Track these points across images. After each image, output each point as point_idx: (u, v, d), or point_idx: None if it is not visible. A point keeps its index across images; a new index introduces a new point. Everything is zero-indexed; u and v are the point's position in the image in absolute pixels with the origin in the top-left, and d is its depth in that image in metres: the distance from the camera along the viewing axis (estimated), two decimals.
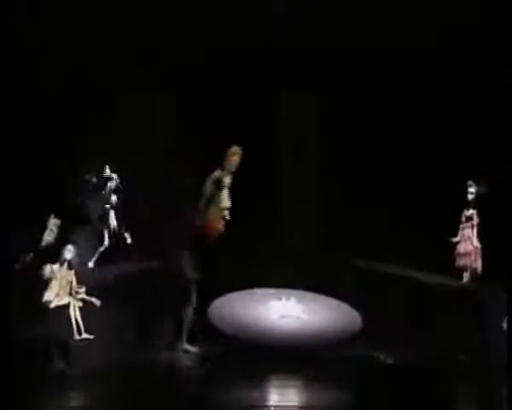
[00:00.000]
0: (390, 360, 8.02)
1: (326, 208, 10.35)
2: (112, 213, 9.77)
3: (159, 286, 9.10)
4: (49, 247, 8.66)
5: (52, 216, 8.77)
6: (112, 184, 9.81)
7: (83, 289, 8.12)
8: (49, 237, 8.74)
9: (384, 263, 9.96)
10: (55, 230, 8.75)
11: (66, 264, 8.06)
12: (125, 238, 9.72)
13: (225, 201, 8.09)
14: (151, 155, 10.21)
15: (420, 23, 9.68)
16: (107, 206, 9.77)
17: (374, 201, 10.01)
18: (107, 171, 9.74)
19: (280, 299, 9.12)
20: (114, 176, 9.79)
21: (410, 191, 9.76)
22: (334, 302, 9.33)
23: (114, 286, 8.99)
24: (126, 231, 9.73)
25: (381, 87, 10.03)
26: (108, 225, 9.70)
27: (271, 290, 9.41)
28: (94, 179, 9.68)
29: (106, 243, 9.62)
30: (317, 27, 9.79)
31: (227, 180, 8.12)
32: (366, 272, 9.90)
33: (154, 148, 10.25)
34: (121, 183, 9.73)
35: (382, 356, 8.05)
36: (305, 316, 8.83)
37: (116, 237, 9.72)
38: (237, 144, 8.14)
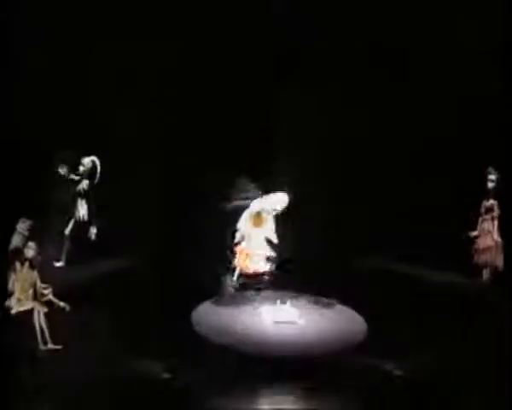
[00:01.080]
0: (399, 372, 7.03)
1: (330, 203, 9.91)
2: (81, 202, 8.83)
3: (137, 286, 8.40)
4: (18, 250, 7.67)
5: (22, 220, 7.76)
6: (84, 168, 8.87)
7: (49, 290, 7.24)
8: (17, 239, 7.75)
9: (392, 262, 9.21)
10: (26, 233, 7.72)
11: (27, 263, 7.17)
12: (92, 232, 8.81)
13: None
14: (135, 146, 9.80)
15: (429, 18, 9.48)
16: (78, 190, 8.84)
17: (379, 192, 9.52)
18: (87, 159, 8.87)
19: (274, 303, 8.13)
20: (87, 160, 8.87)
21: (419, 178, 9.25)
22: (335, 306, 8.35)
23: (86, 287, 8.18)
24: (96, 222, 8.84)
25: (391, 79, 9.79)
26: (74, 214, 8.77)
27: (264, 293, 8.50)
28: (65, 169, 8.73)
29: (67, 232, 8.67)
30: (317, 27, 9.74)
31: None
32: (372, 272, 9.14)
33: (135, 137, 9.78)
34: (95, 168, 8.88)
35: (390, 367, 7.08)
36: (302, 322, 7.77)
37: (85, 228, 8.82)
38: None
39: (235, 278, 8.57)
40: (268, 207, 8.59)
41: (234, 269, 8.59)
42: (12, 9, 8.97)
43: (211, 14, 9.84)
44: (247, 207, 8.69)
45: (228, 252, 8.71)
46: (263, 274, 8.62)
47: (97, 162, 8.94)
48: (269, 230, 8.63)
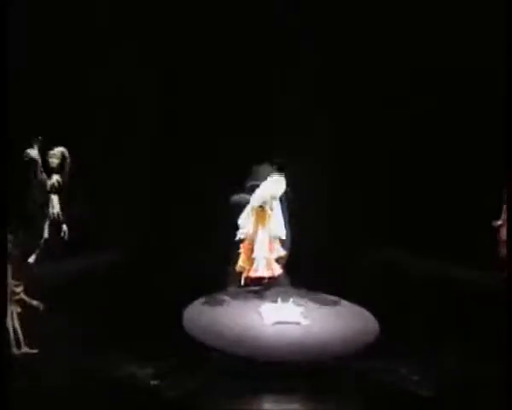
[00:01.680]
0: (415, 377, 6.22)
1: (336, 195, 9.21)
2: (54, 199, 8.08)
3: (121, 283, 7.71)
4: None
5: None
6: (53, 161, 8.09)
7: (21, 288, 6.45)
8: None
9: (405, 255, 8.52)
10: None
11: None
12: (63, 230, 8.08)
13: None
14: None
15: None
16: (49, 185, 8.08)
17: (390, 180, 8.92)
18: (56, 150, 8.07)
19: (274, 300, 7.30)
20: (56, 151, 8.08)
21: (438, 165, 8.57)
22: (344, 304, 7.54)
23: (61, 286, 7.44)
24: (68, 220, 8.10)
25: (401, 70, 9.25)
26: (48, 213, 8.02)
27: (264, 289, 7.66)
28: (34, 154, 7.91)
29: (45, 235, 7.95)
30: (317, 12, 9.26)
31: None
32: (385, 266, 8.45)
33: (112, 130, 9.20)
34: (64, 160, 8.10)
35: (405, 372, 6.28)
36: (306, 322, 6.93)
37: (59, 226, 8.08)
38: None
39: (241, 283, 7.67)
40: (269, 197, 7.54)
41: (239, 273, 7.61)
42: None
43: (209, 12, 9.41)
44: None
45: (228, 251, 7.80)
46: (271, 279, 7.67)
47: (67, 154, 8.10)
48: (275, 226, 7.56)
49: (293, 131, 9.47)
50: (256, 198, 7.57)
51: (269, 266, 7.54)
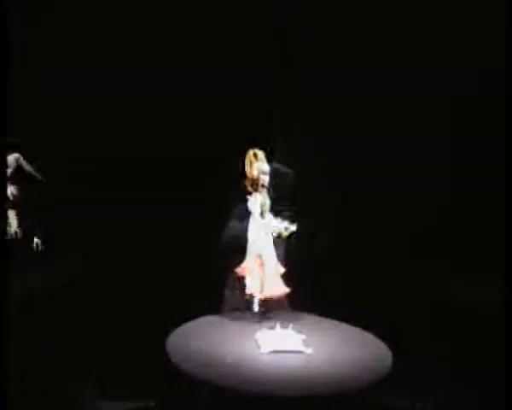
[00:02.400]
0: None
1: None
2: (10, 214, 7.18)
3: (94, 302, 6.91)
4: None
5: None
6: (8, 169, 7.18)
7: None
8: None
9: (420, 267, 7.72)
10: None
11: None
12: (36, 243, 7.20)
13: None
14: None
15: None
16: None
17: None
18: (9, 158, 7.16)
19: (272, 326, 6.35)
20: (9, 159, 7.16)
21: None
22: (350, 330, 6.63)
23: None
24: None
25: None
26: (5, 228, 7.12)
27: (259, 312, 6.73)
28: None
29: None
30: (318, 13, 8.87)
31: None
32: (388, 279, 7.65)
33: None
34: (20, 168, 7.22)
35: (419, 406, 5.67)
36: (308, 350, 6.00)
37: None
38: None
39: (255, 307, 6.70)
40: (266, 199, 6.71)
41: (250, 297, 6.71)
42: None
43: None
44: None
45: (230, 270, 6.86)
46: (281, 298, 6.77)
47: (22, 160, 7.18)
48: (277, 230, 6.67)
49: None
50: (257, 203, 6.72)
51: (279, 281, 6.70)
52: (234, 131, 8.38)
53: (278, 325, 6.28)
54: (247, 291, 6.70)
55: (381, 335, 6.35)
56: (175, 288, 7.66)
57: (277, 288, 6.74)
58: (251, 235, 6.72)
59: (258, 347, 6.05)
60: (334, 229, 8.77)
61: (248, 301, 6.75)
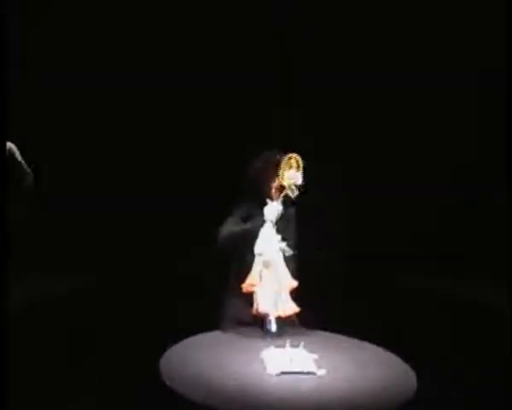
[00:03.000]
0: None
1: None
2: None
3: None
4: None
5: None
6: None
7: None
8: None
9: (438, 281, 6.97)
10: None
11: None
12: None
13: None
14: None
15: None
16: None
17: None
18: None
19: (281, 345, 5.60)
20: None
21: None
22: (369, 348, 5.91)
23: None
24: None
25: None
26: None
27: (267, 329, 5.97)
28: None
29: None
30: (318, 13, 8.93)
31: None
32: (408, 294, 7.21)
33: None
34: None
35: None
36: (322, 372, 5.29)
37: None
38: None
39: (273, 328, 5.95)
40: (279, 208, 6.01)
41: (265, 318, 5.96)
42: None
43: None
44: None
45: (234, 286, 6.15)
46: (293, 316, 6.07)
47: (15, 149, 6.49)
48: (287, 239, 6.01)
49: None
50: (274, 210, 6.01)
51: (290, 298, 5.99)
52: (234, 132, 8.15)
53: (287, 343, 5.56)
54: (261, 310, 5.97)
55: (402, 354, 5.64)
56: (171, 296, 7.04)
57: (292, 304, 6.03)
58: (262, 244, 6.00)
59: (265, 368, 5.33)
60: (341, 241, 8.25)
61: (260, 320, 6.01)
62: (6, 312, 5.06)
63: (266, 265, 5.89)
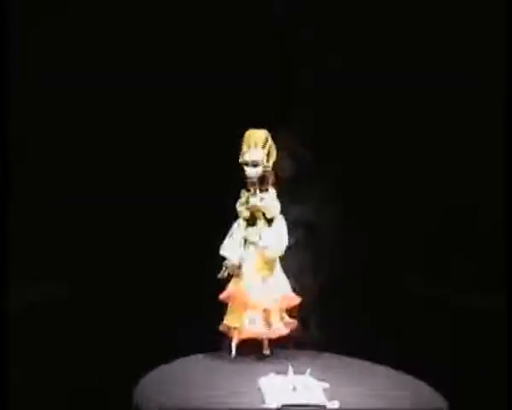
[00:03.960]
0: None
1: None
2: None
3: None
4: None
5: None
6: None
7: None
8: None
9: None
10: None
11: None
12: None
13: None
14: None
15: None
16: None
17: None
18: None
19: (280, 370, 4.68)
20: None
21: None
22: (388, 374, 5.00)
23: None
24: None
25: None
26: None
27: (265, 354, 5.11)
28: None
29: None
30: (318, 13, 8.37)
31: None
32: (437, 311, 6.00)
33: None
34: None
35: None
36: (334, 405, 4.34)
37: None
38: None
39: (232, 352, 5.14)
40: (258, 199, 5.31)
41: (227, 335, 5.17)
42: None
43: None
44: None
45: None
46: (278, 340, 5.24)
47: None
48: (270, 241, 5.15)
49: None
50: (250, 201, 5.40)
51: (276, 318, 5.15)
52: (233, 131, 7.75)
53: (291, 370, 4.60)
54: (250, 332, 5.11)
55: (431, 380, 4.74)
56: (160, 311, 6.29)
57: (289, 322, 5.23)
58: (232, 249, 5.21)
59: (264, 400, 4.38)
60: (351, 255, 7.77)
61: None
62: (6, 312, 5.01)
63: (238, 268, 5.10)
